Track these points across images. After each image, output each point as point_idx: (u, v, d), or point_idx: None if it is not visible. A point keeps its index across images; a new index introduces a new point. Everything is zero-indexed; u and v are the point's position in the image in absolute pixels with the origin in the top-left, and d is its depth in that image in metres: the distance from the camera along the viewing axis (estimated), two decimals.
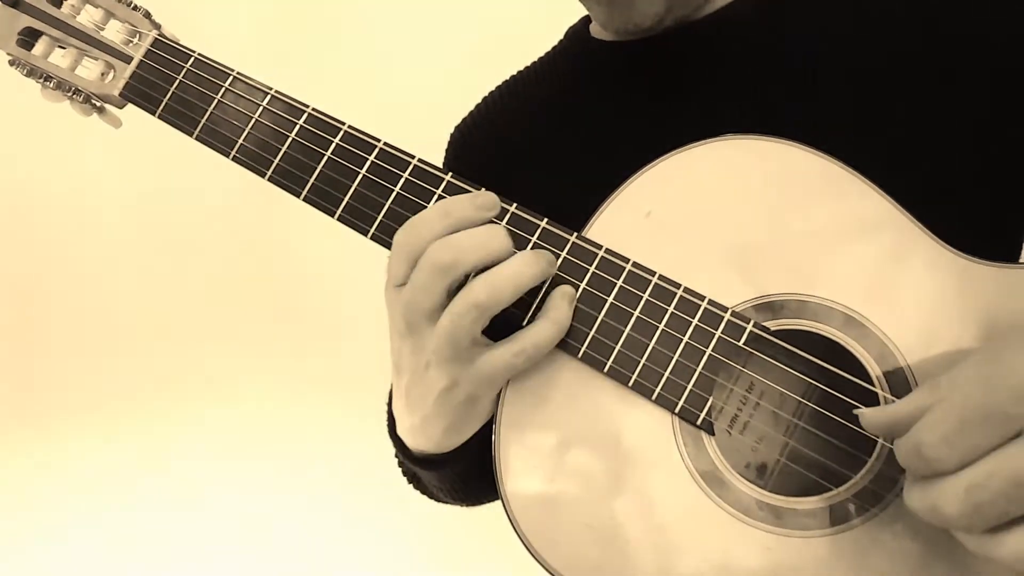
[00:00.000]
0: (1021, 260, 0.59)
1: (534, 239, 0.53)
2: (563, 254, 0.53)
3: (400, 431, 0.59)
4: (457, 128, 0.75)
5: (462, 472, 0.61)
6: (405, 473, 0.69)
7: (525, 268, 0.49)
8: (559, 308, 0.50)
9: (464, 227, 0.50)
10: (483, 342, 0.51)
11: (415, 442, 0.58)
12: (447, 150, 0.75)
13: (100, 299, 2.59)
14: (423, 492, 0.71)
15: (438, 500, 0.71)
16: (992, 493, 0.37)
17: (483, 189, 0.54)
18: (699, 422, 0.51)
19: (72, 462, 2.39)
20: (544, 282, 0.52)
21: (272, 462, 2.27)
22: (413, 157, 0.56)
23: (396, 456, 0.63)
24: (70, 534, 2.16)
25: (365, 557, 2.02)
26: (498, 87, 0.75)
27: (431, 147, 0.69)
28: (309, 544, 2.07)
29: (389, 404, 0.63)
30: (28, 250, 2.62)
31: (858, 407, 0.48)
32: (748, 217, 0.52)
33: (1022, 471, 0.37)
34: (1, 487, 2.33)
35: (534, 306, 0.52)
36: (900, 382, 0.49)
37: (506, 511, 0.52)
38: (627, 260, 0.52)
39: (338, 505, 2.12)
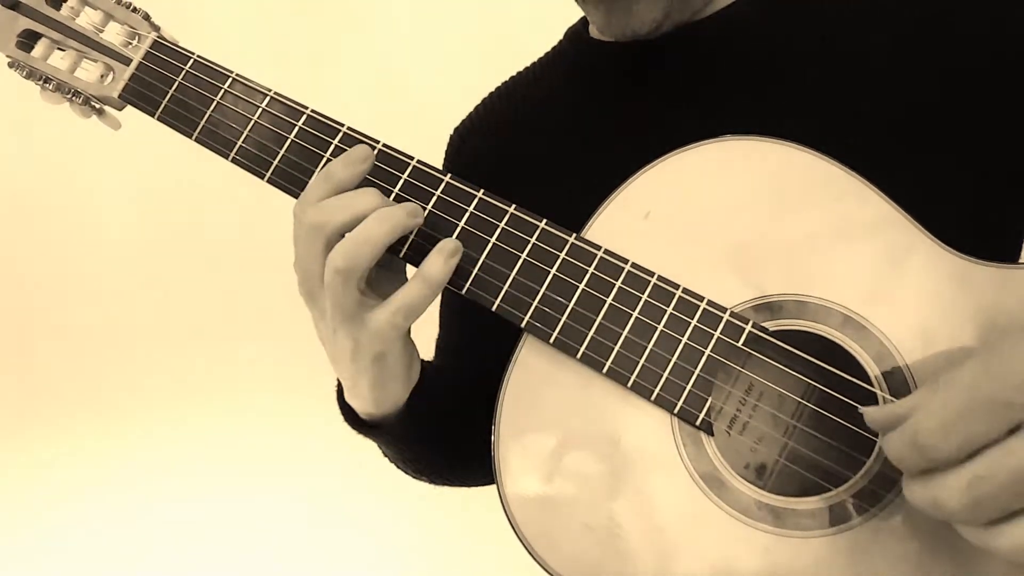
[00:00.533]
0: (1020, 260, 0.59)
1: (533, 240, 0.53)
2: (562, 255, 0.53)
3: (347, 398, 0.61)
4: (456, 131, 0.75)
5: (402, 435, 0.62)
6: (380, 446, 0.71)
7: (376, 227, 0.50)
8: (430, 264, 0.51)
9: (344, 188, 0.52)
10: (371, 302, 0.52)
11: (361, 406, 0.60)
12: (446, 153, 0.75)
13: (100, 299, 2.59)
14: (396, 465, 0.73)
15: (406, 473, 0.73)
16: (994, 487, 0.37)
17: (482, 191, 0.54)
18: (698, 423, 0.51)
19: (72, 461, 2.39)
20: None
21: (274, 461, 2.27)
22: (412, 158, 0.56)
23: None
24: (69, 533, 2.16)
25: (364, 556, 2.02)
26: (496, 89, 0.74)
27: (431, 147, 0.69)
28: (310, 543, 2.07)
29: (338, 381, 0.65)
30: (27, 251, 2.62)
31: (857, 407, 0.49)
32: (747, 218, 0.52)
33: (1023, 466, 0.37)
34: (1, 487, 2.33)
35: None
36: (899, 382, 0.49)
37: (505, 511, 0.52)
38: (626, 261, 0.52)
39: (338, 504, 2.12)
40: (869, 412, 0.44)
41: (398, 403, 0.59)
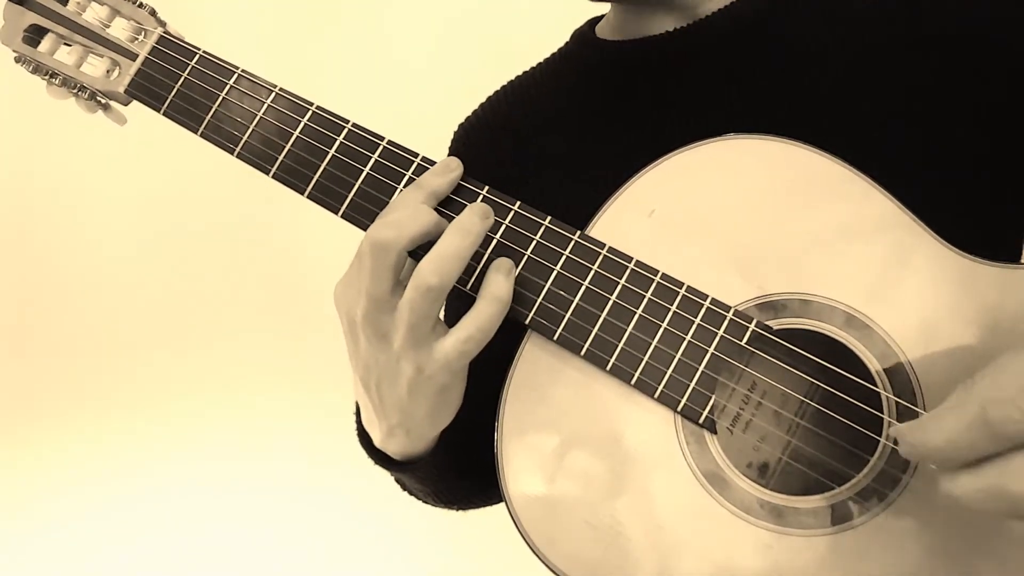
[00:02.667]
0: (1022, 260, 0.59)
1: (536, 238, 0.54)
2: (566, 252, 0.53)
3: (378, 443, 0.58)
4: (460, 126, 0.75)
5: (440, 469, 0.61)
6: (397, 482, 0.69)
7: (461, 239, 0.48)
8: (496, 283, 0.50)
9: (440, 198, 0.52)
10: (443, 329, 0.51)
11: (397, 446, 0.57)
12: (450, 148, 0.75)
13: (99, 297, 2.59)
14: (416, 498, 0.71)
15: (431, 505, 0.71)
16: None
17: (487, 188, 0.54)
18: (701, 420, 0.51)
19: (69, 458, 2.39)
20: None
21: (271, 460, 2.27)
22: (416, 155, 0.56)
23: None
24: (67, 529, 2.16)
25: (365, 553, 2.02)
26: (503, 87, 0.75)
27: (434, 145, 0.69)
28: (309, 538, 2.07)
29: (358, 422, 0.63)
30: (29, 247, 2.62)
31: (860, 406, 0.49)
32: (750, 216, 0.52)
33: None
34: None
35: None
36: (903, 381, 0.49)
37: (508, 509, 0.52)
38: (630, 259, 0.53)
39: (338, 502, 2.12)
40: (902, 432, 0.41)
41: (435, 433, 0.57)
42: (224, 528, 2.12)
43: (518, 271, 0.53)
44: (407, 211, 0.49)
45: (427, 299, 0.48)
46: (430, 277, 0.47)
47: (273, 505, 2.17)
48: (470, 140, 0.73)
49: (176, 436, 2.41)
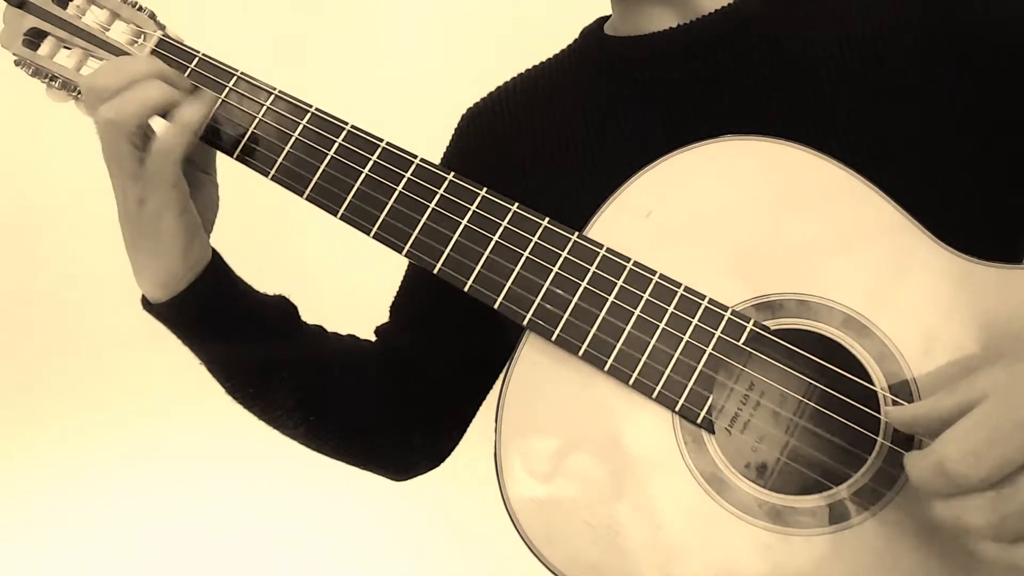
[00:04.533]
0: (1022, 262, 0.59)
1: (535, 239, 0.54)
2: (564, 253, 0.53)
3: (136, 279, 0.62)
4: (468, 110, 0.75)
5: (200, 332, 0.65)
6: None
7: (151, 91, 0.54)
8: (185, 109, 0.55)
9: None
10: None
11: (147, 287, 0.61)
12: (455, 131, 0.75)
13: (98, 297, 2.59)
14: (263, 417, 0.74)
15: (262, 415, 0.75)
16: (1019, 505, 0.38)
17: (485, 189, 0.55)
18: (699, 421, 0.51)
19: (68, 457, 2.39)
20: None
21: (271, 459, 2.27)
22: (415, 157, 0.56)
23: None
24: (65, 528, 2.16)
25: (363, 553, 2.02)
26: (512, 78, 0.75)
27: (434, 146, 0.69)
28: (309, 539, 2.07)
29: None
30: (27, 248, 2.62)
31: (858, 405, 0.49)
32: (748, 217, 0.52)
33: None
34: None
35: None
36: (901, 382, 0.49)
37: (507, 509, 0.52)
38: (628, 259, 0.53)
39: (337, 501, 2.11)
40: (891, 411, 0.46)
41: (167, 270, 0.60)
42: (223, 527, 2.12)
43: (516, 271, 0.53)
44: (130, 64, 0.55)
45: (109, 131, 0.53)
46: (107, 112, 0.53)
47: (273, 504, 2.16)
48: (475, 125, 0.74)
49: (175, 435, 2.40)
